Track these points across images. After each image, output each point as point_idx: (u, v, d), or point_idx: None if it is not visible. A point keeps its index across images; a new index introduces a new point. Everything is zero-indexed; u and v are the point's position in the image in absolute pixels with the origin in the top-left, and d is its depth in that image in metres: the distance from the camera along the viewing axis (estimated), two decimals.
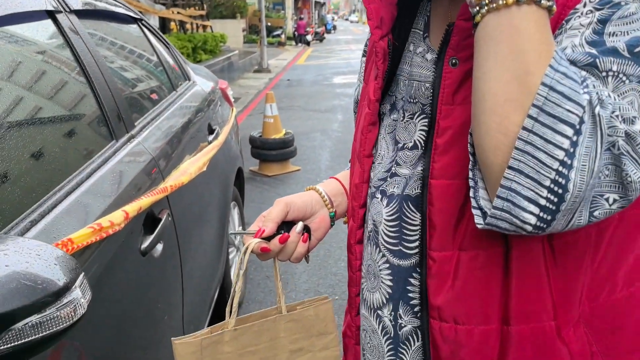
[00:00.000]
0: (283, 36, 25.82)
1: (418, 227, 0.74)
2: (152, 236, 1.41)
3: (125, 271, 1.30)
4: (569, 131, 0.53)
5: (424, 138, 0.75)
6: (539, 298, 0.68)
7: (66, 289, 0.59)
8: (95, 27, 1.84)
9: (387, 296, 0.79)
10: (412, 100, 0.78)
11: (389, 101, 0.82)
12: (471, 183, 0.62)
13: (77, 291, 0.60)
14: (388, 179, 0.79)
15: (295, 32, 27.24)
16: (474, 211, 0.62)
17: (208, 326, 2.22)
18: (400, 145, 0.78)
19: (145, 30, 2.42)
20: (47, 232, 1.02)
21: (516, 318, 0.68)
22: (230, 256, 2.74)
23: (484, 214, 0.60)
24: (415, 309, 0.76)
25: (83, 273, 0.64)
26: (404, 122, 0.79)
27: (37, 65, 1.37)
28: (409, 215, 0.75)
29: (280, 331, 0.89)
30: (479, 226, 0.61)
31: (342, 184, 0.97)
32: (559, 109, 0.53)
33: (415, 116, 0.77)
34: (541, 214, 0.55)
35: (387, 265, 0.78)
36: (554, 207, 0.55)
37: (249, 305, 2.90)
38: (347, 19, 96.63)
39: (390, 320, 0.78)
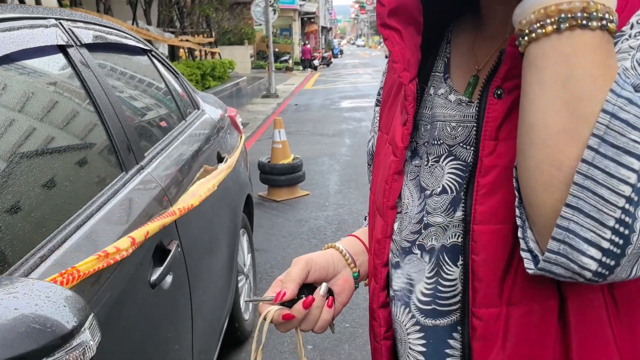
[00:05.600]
0: (290, 61, 26.14)
1: (455, 281, 0.67)
2: (162, 268, 1.41)
3: (135, 303, 1.29)
4: (636, 164, 0.47)
5: (457, 181, 0.68)
6: (605, 356, 0.60)
7: (75, 331, 0.59)
8: (106, 58, 1.87)
9: None
10: (435, 142, 0.72)
11: (409, 148, 0.76)
12: (519, 222, 0.56)
13: (87, 333, 0.60)
14: (422, 230, 0.71)
15: (302, 57, 27.59)
16: (524, 254, 0.55)
17: (218, 356, 2.17)
18: (428, 192, 0.71)
19: (155, 61, 2.46)
20: (57, 267, 1.02)
21: None
22: (240, 284, 2.72)
23: (535, 258, 0.54)
24: None
25: (92, 314, 0.64)
26: (429, 167, 0.72)
27: (47, 98, 1.39)
28: (445, 269, 0.67)
29: None
30: (529, 271, 0.55)
31: (363, 241, 0.88)
32: (623, 138, 0.47)
33: (442, 159, 0.70)
34: (603, 259, 0.49)
35: (418, 327, 0.70)
36: (618, 251, 0.49)
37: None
38: (353, 43, 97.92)
39: None
